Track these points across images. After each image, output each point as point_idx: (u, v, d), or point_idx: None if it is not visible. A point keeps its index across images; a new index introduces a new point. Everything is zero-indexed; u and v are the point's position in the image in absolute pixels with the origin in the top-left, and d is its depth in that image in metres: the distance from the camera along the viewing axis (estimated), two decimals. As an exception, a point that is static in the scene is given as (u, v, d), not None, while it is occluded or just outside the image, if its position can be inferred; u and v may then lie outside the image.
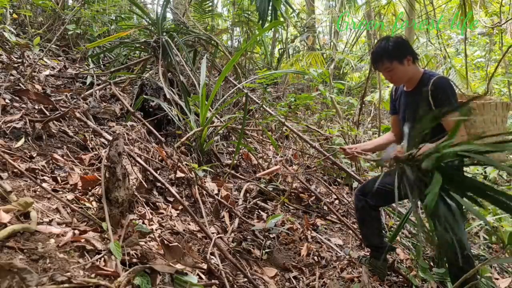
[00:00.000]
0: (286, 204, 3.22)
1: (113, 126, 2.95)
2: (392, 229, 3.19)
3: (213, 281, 1.78)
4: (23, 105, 2.60)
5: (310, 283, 2.25)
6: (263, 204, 3.00)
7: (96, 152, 2.44)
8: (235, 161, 3.51)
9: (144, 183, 2.28)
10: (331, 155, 3.72)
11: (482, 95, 2.30)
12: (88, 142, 2.51)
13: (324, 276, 2.32)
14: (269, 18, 3.27)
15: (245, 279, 1.92)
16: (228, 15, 8.10)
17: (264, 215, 2.86)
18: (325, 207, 3.43)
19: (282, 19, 4.73)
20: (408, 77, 2.21)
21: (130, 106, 3.35)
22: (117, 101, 3.50)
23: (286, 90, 6.88)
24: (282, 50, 8.54)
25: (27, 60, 3.55)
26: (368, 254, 2.72)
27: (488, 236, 3.82)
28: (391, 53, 2.12)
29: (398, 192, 2.53)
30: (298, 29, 8.62)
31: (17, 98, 2.65)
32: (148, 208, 2.20)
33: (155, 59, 3.99)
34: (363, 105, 5.13)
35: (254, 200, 2.96)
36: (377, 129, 4.52)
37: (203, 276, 1.77)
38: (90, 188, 2.00)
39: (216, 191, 2.76)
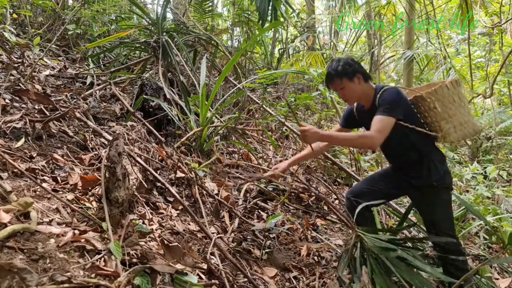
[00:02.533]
0: (286, 204, 3.22)
1: (113, 126, 2.95)
2: (392, 229, 3.19)
3: (213, 281, 1.78)
4: (23, 105, 2.59)
5: (310, 283, 2.25)
6: (263, 204, 3.00)
7: (96, 152, 2.44)
8: (235, 161, 3.51)
9: (144, 183, 2.28)
10: (330, 155, 3.72)
11: (431, 83, 2.38)
12: (88, 142, 2.51)
13: (324, 276, 2.31)
14: (269, 18, 3.28)
15: (245, 279, 1.92)
16: (228, 15, 8.09)
17: (264, 215, 2.86)
18: (325, 207, 3.43)
19: (282, 19, 4.73)
20: (360, 95, 2.29)
21: (130, 106, 3.35)
22: (117, 101, 3.50)
23: (286, 90, 6.88)
24: (282, 50, 8.53)
25: (27, 60, 3.55)
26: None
27: (488, 236, 3.82)
28: (341, 71, 2.24)
29: (388, 192, 2.56)
30: (298, 29, 8.61)
31: (17, 98, 2.65)
32: (148, 208, 2.20)
33: (155, 59, 3.99)
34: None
35: (254, 200, 2.96)
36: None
37: (203, 276, 1.77)
38: (90, 188, 2.00)
39: (216, 191, 2.76)
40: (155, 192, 2.43)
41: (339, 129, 2.64)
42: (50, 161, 2.12)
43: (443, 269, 2.35)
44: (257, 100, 4.31)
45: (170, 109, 3.32)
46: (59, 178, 2.00)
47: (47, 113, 2.58)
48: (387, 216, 3.73)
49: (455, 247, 2.24)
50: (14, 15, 4.35)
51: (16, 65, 3.26)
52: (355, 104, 2.47)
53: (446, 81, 2.22)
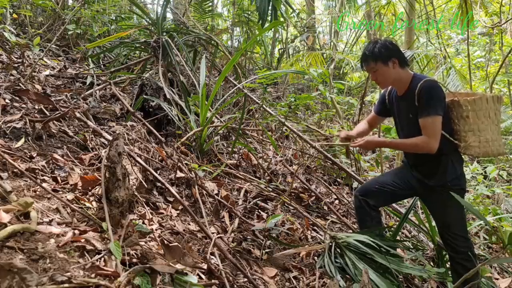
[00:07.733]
0: (286, 204, 3.21)
1: (113, 126, 2.95)
2: (392, 229, 3.19)
3: (213, 281, 1.77)
4: (23, 105, 2.59)
5: (310, 283, 2.25)
6: (263, 204, 2.99)
7: (96, 152, 2.44)
8: (235, 161, 3.51)
9: (144, 183, 2.28)
10: (330, 155, 3.72)
11: (472, 92, 2.36)
12: (88, 142, 2.51)
13: (324, 276, 2.31)
14: (269, 18, 3.28)
15: (245, 279, 1.92)
16: (228, 15, 8.09)
17: (264, 215, 2.86)
18: (325, 207, 3.43)
19: (282, 19, 4.73)
20: (393, 80, 2.24)
21: (130, 106, 3.35)
22: (117, 101, 3.50)
23: (286, 90, 6.87)
24: (282, 50, 8.54)
25: (27, 60, 3.55)
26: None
27: (488, 236, 3.83)
28: (376, 54, 2.18)
29: (398, 192, 2.56)
30: (298, 29, 8.61)
31: (17, 98, 2.65)
32: (148, 208, 2.20)
33: (155, 59, 3.99)
34: (363, 105, 5.13)
35: (254, 200, 2.96)
36: (377, 129, 4.52)
37: (203, 276, 1.77)
38: (90, 188, 2.00)
39: (216, 191, 2.76)
40: (155, 192, 2.43)
41: (373, 116, 2.58)
42: (50, 161, 2.12)
43: (451, 269, 2.35)
44: (257, 100, 4.30)
45: (170, 109, 3.32)
46: (59, 178, 2.00)
47: (47, 113, 2.58)
48: (387, 216, 3.73)
49: (467, 248, 2.23)
50: (14, 15, 4.35)
51: (16, 65, 3.26)
52: (388, 89, 2.42)
53: (488, 94, 2.19)
